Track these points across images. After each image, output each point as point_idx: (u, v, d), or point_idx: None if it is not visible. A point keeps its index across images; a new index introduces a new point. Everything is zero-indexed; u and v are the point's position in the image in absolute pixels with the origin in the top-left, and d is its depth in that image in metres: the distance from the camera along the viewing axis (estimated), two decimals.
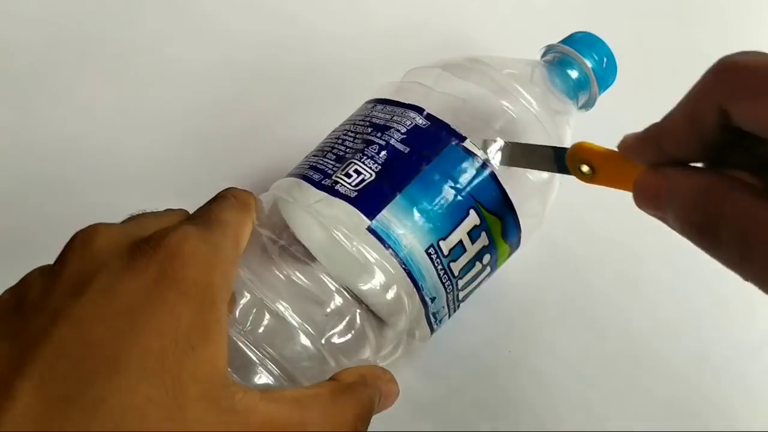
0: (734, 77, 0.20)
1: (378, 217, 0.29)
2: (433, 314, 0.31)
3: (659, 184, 0.23)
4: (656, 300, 0.40)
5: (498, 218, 0.31)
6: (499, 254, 0.32)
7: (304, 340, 0.29)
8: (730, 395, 0.37)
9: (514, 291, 0.39)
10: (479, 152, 0.31)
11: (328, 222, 0.29)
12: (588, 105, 0.38)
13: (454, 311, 0.33)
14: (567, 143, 0.37)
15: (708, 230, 0.21)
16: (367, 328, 0.30)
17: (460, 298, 0.32)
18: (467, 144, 0.31)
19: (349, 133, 0.32)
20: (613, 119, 0.41)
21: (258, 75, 0.47)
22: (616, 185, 0.26)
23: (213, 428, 0.21)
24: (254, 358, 0.28)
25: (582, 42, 0.37)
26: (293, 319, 0.28)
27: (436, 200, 0.30)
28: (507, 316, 0.39)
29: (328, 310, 0.29)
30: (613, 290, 0.40)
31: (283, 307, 0.28)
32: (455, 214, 0.30)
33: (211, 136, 0.44)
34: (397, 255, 0.29)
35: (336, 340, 0.29)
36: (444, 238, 0.30)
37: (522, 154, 0.31)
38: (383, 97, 0.34)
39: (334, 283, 0.29)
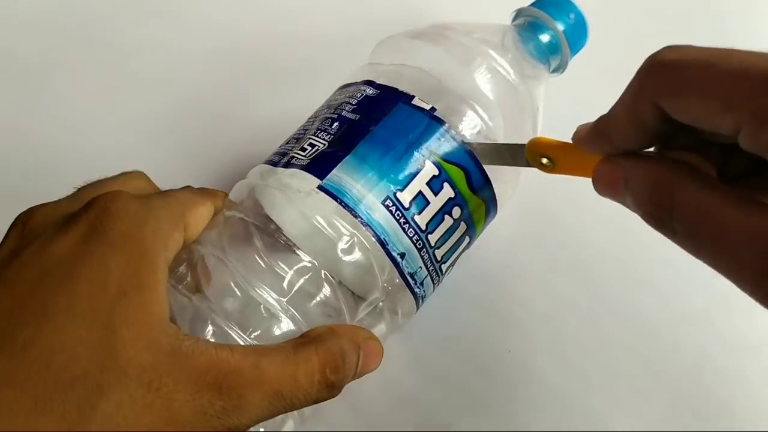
0: (663, 76, 0.21)
1: (329, 176, 0.29)
2: (410, 275, 0.31)
3: (615, 173, 0.24)
4: (656, 299, 0.40)
5: (460, 168, 0.31)
6: (471, 209, 0.32)
7: (280, 316, 0.28)
8: (730, 395, 0.37)
9: (514, 289, 0.40)
10: (428, 106, 0.31)
11: (287, 191, 0.30)
12: (559, 69, 0.38)
13: (438, 276, 0.32)
14: (540, 108, 0.37)
15: (662, 221, 0.22)
16: (342, 302, 0.30)
17: (438, 257, 0.32)
18: (416, 101, 0.31)
19: (310, 119, 0.33)
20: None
21: (241, 66, 0.48)
22: (578, 173, 0.27)
23: (151, 368, 0.21)
24: (235, 336, 0.27)
25: (552, 5, 0.37)
26: (268, 297, 0.28)
27: (387, 155, 0.30)
28: (507, 315, 0.39)
29: (301, 286, 0.29)
30: (612, 290, 0.40)
31: (258, 286, 0.28)
32: (410, 167, 0.30)
33: (206, 133, 0.45)
34: (353, 210, 0.29)
35: (310, 311, 0.29)
36: (401, 190, 0.30)
37: (487, 154, 0.31)
38: (344, 82, 0.35)
39: (307, 257, 0.29)
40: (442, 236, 0.31)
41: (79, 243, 0.22)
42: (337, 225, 0.29)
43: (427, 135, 0.30)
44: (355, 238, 0.29)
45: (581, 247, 0.41)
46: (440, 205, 0.30)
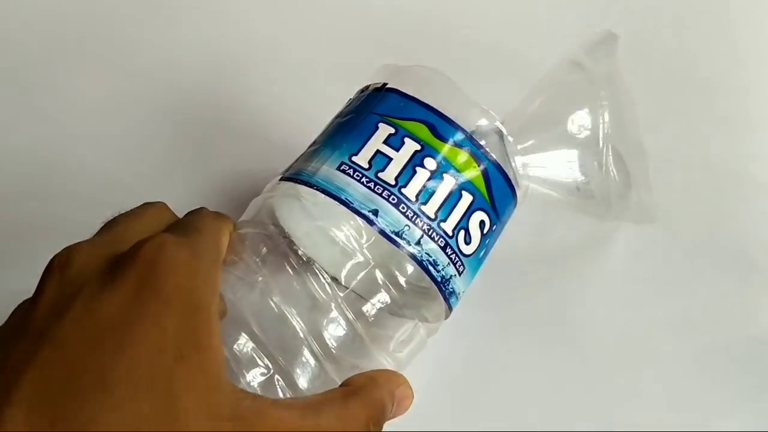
0: None
1: (289, 167, 0.32)
2: (396, 234, 0.29)
3: None
4: (656, 299, 0.40)
5: (419, 122, 0.31)
6: (448, 157, 0.30)
7: (312, 345, 0.29)
8: (730, 395, 0.37)
9: (514, 288, 0.40)
10: (380, 84, 0.32)
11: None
12: None
13: (441, 236, 0.30)
14: None
15: None
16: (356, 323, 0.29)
17: (431, 214, 0.30)
18: (370, 88, 0.33)
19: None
20: None
21: (248, 77, 0.48)
22: None
23: None
24: (270, 366, 0.28)
25: None
26: (298, 324, 0.29)
27: (340, 132, 0.31)
28: (508, 315, 0.39)
29: (327, 312, 0.29)
30: (612, 289, 0.40)
31: (288, 311, 0.29)
32: (362, 133, 0.31)
33: (205, 140, 0.45)
34: (308, 182, 0.30)
35: (333, 341, 0.29)
36: (356, 154, 0.30)
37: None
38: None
39: (324, 274, 0.29)
40: (422, 191, 0.30)
41: (131, 300, 0.21)
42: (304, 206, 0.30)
43: (377, 102, 0.32)
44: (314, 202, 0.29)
45: (582, 245, 0.41)
46: (407, 159, 0.30)
